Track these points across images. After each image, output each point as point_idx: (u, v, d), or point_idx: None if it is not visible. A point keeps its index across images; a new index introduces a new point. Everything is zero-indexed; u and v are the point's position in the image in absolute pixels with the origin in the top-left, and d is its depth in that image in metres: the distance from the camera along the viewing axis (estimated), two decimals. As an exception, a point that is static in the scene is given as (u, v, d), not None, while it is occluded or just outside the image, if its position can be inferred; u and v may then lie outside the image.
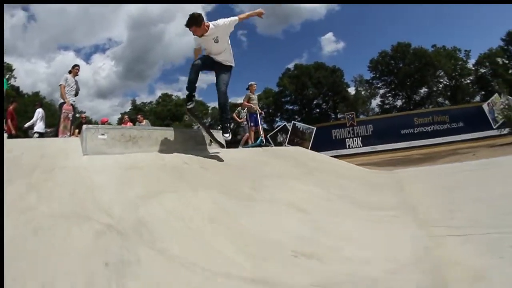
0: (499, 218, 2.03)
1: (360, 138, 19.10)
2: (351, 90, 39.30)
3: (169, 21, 61.85)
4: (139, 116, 10.87)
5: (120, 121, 24.32)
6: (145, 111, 39.39)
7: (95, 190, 1.88)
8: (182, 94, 44.74)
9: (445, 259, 1.53)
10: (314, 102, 40.27)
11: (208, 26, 3.35)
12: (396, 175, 5.56)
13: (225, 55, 3.57)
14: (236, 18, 3.50)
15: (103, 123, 9.73)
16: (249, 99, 7.69)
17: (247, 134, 7.96)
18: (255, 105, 7.75)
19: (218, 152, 3.68)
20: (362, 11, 52.63)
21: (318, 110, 40.65)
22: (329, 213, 2.48)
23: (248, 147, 7.00)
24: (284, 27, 62.93)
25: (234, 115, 8.13)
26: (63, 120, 6.51)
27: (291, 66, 42.53)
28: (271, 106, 41.27)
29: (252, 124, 7.73)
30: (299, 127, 20.10)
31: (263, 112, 8.45)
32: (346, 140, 19.09)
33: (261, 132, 7.77)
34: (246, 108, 8.02)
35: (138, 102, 44.52)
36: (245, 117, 8.12)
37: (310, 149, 19.11)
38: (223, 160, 3.46)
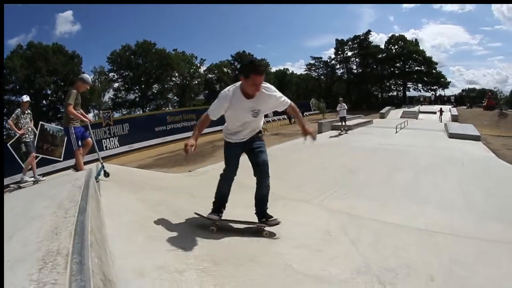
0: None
1: (117, 137, 18.14)
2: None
3: None
4: None
5: None
6: None
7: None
8: None
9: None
10: (43, 92, 32.52)
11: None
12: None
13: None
14: (288, 101, 2.62)
15: None
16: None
17: (34, 154, 5.78)
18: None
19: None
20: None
21: (45, 102, 33.65)
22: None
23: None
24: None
25: (11, 121, 5.66)
26: None
27: (22, 43, 31.97)
28: (-15, 96, 29.33)
29: (79, 144, 4.47)
30: (49, 129, 14.95)
31: (91, 119, 5.34)
32: (103, 141, 17.31)
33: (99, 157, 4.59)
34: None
35: None
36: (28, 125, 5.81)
37: (63, 157, 15.50)
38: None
